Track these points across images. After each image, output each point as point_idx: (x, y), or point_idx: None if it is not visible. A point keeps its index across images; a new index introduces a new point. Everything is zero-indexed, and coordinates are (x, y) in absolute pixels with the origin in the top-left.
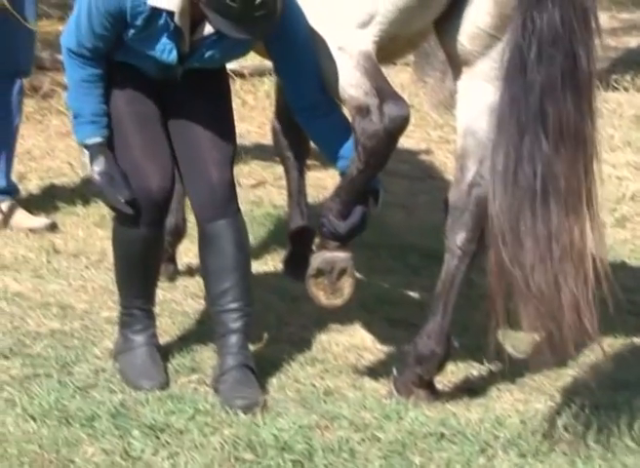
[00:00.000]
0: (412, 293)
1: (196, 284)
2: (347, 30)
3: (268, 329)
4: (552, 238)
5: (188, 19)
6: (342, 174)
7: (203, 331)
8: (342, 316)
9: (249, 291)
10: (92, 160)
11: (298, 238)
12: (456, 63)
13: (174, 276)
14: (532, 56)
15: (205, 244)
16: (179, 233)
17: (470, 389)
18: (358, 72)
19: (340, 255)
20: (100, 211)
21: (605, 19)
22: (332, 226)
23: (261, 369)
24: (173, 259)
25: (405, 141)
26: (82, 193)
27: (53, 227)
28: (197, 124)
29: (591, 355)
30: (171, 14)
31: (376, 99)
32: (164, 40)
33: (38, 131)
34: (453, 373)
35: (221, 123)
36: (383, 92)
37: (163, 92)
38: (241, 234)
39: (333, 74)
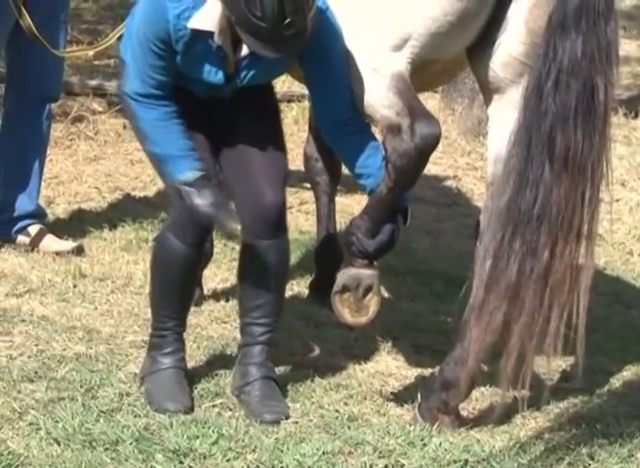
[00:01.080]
0: (438, 320)
1: (221, 309)
2: (381, 53)
3: (293, 354)
4: (535, 265)
5: (229, 39)
6: (371, 192)
7: (227, 356)
8: (368, 342)
9: (281, 310)
10: (197, 195)
11: (325, 263)
12: (487, 91)
13: (200, 301)
14: (549, 83)
15: (249, 258)
16: (205, 258)
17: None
18: (391, 93)
19: (367, 272)
20: (127, 235)
21: (634, 47)
22: (360, 244)
23: (285, 394)
24: (199, 284)
25: (432, 168)
26: (109, 217)
27: (80, 251)
28: (249, 143)
29: (617, 383)
30: (211, 34)
31: (407, 119)
32: (209, 62)
33: (66, 155)
34: (477, 400)
35: (273, 142)
36: (415, 111)
37: (211, 114)
38: (285, 255)
39: (365, 94)
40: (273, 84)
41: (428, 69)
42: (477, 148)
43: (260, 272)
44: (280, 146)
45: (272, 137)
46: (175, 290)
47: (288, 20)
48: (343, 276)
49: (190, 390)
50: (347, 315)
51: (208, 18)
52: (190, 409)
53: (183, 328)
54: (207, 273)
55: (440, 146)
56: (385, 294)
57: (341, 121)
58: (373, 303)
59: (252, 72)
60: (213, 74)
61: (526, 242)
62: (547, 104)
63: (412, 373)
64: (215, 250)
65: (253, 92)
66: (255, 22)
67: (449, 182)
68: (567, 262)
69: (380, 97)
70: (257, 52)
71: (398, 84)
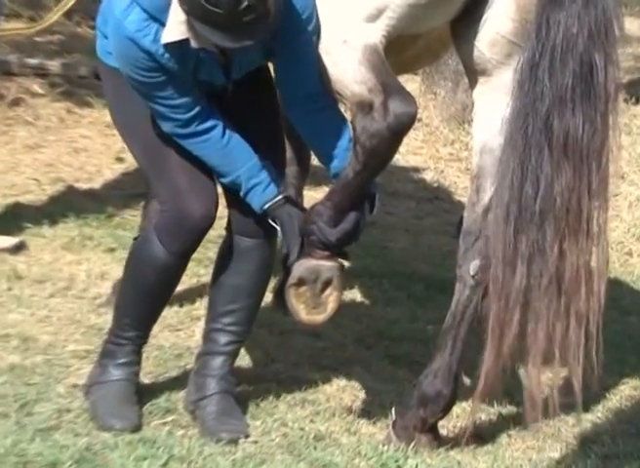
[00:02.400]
0: (416, 327)
1: (174, 315)
2: (354, 23)
3: (254, 365)
4: (544, 267)
5: (208, 39)
6: (335, 176)
7: (180, 368)
8: (337, 352)
9: (253, 320)
10: (287, 211)
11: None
12: (472, 73)
13: None
14: (544, 62)
15: (230, 257)
16: None
17: (478, 435)
18: (363, 67)
19: (327, 265)
20: (69, 233)
21: (637, 26)
22: (321, 233)
23: (245, 410)
24: None
25: (412, 159)
26: (49, 212)
27: (19, 248)
28: (249, 142)
29: (614, 399)
30: (187, 41)
31: (380, 96)
32: (205, 64)
33: (2, 143)
34: (459, 417)
35: (271, 140)
36: (389, 87)
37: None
38: (271, 259)
39: (334, 68)
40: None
41: (408, 48)
42: (461, 137)
43: (240, 274)
44: (278, 145)
45: (270, 136)
46: (146, 299)
47: (245, 4)
48: (300, 267)
49: (139, 406)
50: (302, 311)
51: (176, 27)
52: (138, 428)
53: (145, 340)
54: None
55: (421, 135)
56: (358, 299)
57: (307, 97)
58: (332, 300)
59: (245, 58)
60: (214, 76)
61: (531, 241)
62: (543, 86)
63: (386, 387)
64: None
65: (254, 90)
66: (209, 9)
67: (430, 175)
68: (579, 262)
69: (350, 72)
70: (218, 43)
71: (371, 57)
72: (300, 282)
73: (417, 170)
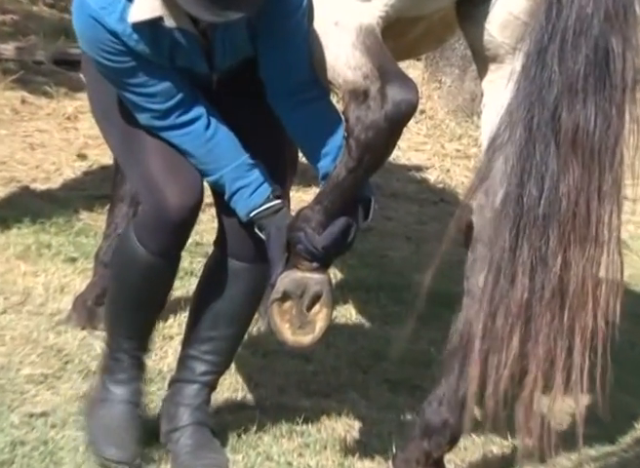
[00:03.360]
0: (418, 348)
1: None
2: (347, 2)
3: (235, 390)
4: (546, 278)
5: (185, 16)
6: (325, 177)
7: (151, 393)
8: (329, 376)
9: (235, 351)
10: (276, 223)
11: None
12: (482, 59)
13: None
14: (553, 46)
15: (216, 280)
16: None
17: None
18: (358, 51)
19: (315, 277)
20: (24, 240)
21: None
22: (308, 241)
23: (224, 442)
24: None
25: (414, 156)
26: (2, 217)
27: None
28: (243, 139)
29: (637, 432)
30: (159, 19)
31: (377, 83)
32: (181, 50)
33: None
34: (467, 450)
35: (274, 152)
36: (387, 73)
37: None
38: (260, 286)
39: (325, 53)
40: None
41: (409, 31)
42: (470, 131)
43: (225, 299)
44: (279, 148)
45: (274, 148)
46: (135, 305)
47: None
48: (285, 280)
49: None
50: (287, 331)
51: (146, 3)
52: (137, 459)
53: (143, 352)
54: None
55: (424, 128)
56: (352, 316)
57: (295, 86)
58: (320, 318)
59: (227, 42)
60: (194, 61)
61: (533, 249)
62: (551, 73)
63: (384, 416)
64: None
65: (251, 96)
66: None
67: (434, 174)
68: (586, 273)
69: (343, 57)
70: (197, 16)
71: (367, 40)
72: (285, 296)
73: (419, 168)
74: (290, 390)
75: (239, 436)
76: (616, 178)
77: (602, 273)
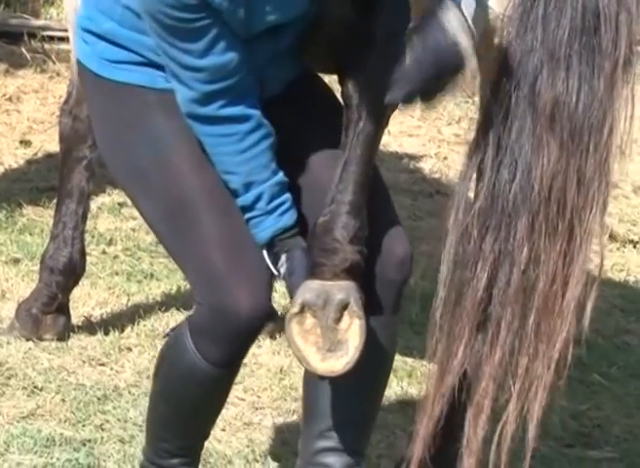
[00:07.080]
0: (412, 360)
1: (97, 345)
2: None
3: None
4: (511, 275)
5: None
6: None
7: (105, 412)
8: None
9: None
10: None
11: None
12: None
13: (64, 333)
14: (539, 6)
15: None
16: (73, 271)
17: None
18: None
19: (338, 283)
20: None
21: None
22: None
23: None
24: (65, 309)
25: (406, 142)
26: None
27: None
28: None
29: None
30: None
31: None
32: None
33: None
34: None
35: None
36: None
37: None
38: (395, 342)
39: None
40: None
41: None
42: (470, 113)
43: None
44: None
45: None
46: (185, 415)
47: None
48: (301, 291)
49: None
50: (314, 357)
51: None
52: None
53: (195, 466)
54: (77, 293)
55: (417, 111)
56: None
57: None
58: (352, 334)
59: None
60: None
61: (499, 241)
62: (534, 36)
63: (374, 436)
64: (89, 259)
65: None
66: None
67: (430, 162)
68: (556, 270)
69: None
70: None
71: None
72: (304, 310)
73: (413, 156)
74: (263, 408)
75: None
76: (600, 162)
77: (576, 270)
